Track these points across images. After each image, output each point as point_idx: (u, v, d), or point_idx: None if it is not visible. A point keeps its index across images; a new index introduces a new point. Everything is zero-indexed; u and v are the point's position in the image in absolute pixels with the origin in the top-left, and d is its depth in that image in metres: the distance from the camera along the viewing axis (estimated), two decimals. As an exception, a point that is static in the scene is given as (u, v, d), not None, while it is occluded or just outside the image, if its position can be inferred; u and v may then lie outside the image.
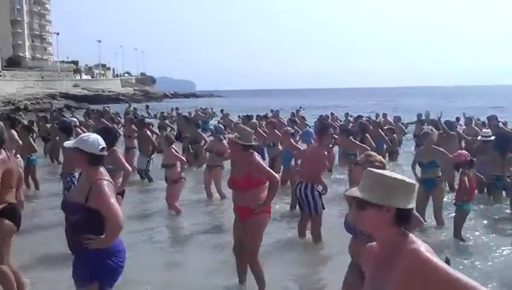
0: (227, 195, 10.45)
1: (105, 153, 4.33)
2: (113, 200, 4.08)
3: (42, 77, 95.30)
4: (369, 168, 2.58)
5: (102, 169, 4.24)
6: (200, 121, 20.44)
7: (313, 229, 8.26)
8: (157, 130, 16.96)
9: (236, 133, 6.14)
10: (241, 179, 5.95)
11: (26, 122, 16.82)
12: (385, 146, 15.23)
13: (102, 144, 4.28)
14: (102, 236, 4.07)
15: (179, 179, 10.32)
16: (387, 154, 15.54)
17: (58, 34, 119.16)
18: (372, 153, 4.38)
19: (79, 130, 14.74)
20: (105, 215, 4.04)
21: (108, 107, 33.89)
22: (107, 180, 4.16)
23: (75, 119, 17.33)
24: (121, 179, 7.35)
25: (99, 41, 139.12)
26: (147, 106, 37.20)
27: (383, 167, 3.90)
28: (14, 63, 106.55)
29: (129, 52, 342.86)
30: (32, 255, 7.34)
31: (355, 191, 2.46)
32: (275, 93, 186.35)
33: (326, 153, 8.74)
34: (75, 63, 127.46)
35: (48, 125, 19.34)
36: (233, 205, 6.22)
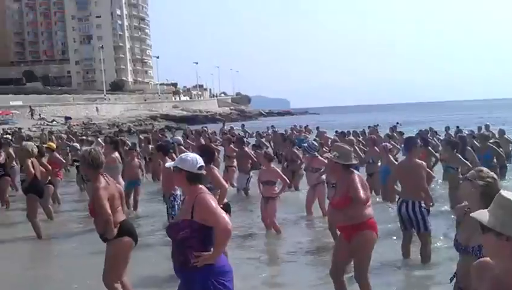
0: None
1: (203, 171, 4.41)
2: (217, 209, 4.17)
3: (145, 100, 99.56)
4: (503, 191, 2.33)
5: (202, 186, 4.34)
6: (296, 139, 20.38)
7: (423, 249, 7.85)
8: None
9: (335, 153, 6.03)
10: (341, 198, 5.82)
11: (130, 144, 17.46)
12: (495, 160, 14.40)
13: (201, 162, 4.38)
14: (209, 252, 4.12)
15: (276, 197, 10.29)
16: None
17: (158, 57, 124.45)
18: (484, 168, 4.10)
19: (182, 148, 15.13)
20: (212, 224, 4.09)
21: (206, 127, 34.81)
22: (208, 193, 4.28)
23: (180, 139, 17.79)
24: (217, 197, 7.44)
25: (196, 63, 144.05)
26: (243, 125, 37.73)
27: (495, 185, 3.62)
28: (117, 86, 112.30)
29: (225, 72, 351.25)
30: (136, 275, 7.41)
31: (479, 213, 2.26)
32: (370, 108, 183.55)
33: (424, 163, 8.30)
34: (174, 85, 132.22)
35: (150, 146, 19.98)
36: (330, 223, 6.09)
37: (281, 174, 10.55)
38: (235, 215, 11.15)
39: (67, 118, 60.52)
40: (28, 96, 79.79)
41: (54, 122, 58.64)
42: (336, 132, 24.95)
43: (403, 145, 13.54)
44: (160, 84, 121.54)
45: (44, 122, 56.99)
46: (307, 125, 31.86)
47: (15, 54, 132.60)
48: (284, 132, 27.60)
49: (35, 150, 10.31)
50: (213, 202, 4.20)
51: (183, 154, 4.62)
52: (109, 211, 5.42)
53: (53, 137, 28.15)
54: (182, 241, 4.17)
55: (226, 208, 7.51)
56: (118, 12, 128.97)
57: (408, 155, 8.21)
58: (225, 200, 7.54)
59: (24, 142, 11.74)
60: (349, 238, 5.85)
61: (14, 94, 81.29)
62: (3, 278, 7.68)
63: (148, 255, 8.63)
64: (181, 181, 4.37)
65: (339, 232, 6.22)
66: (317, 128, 32.39)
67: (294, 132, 28.86)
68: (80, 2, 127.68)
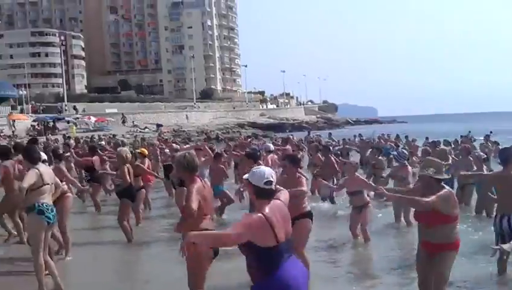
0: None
1: (271, 187, 4.20)
2: (246, 222, 4.03)
3: (234, 108, 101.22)
4: None
5: (269, 203, 4.14)
6: (383, 148, 20.00)
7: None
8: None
9: (431, 168, 5.77)
10: (429, 214, 5.59)
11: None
12: None
13: (269, 178, 4.17)
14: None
15: (366, 205, 10.10)
16: None
17: (246, 66, 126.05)
18: None
19: (274, 155, 15.14)
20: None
21: (292, 134, 34.85)
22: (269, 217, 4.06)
23: (270, 145, 17.84)
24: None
25: (284, 71, 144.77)
26: (330, 133, 37.44)
27: None
28: (207, 95, 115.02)
29: (312, 80, 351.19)
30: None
31: None
32: (460, 117, 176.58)
33: None
34: (262, 93, 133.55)
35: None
36: (419, 240, 5.87)
37: (366, 181, 10.37)
38: (318, 223, 11.00)
39: (159, 125, 62.49)
40: (122, 104, 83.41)
41: (146, 129, 60.75)
42: (427, 139, 24.20)
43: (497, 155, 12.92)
44: (248, 93, 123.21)
45: (137, 129, 59.19)
46: (398, 135, 31.14)
47: (111, 64, 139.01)
48: (370, 140, 27.21)
49: (129, 155, 10.65)
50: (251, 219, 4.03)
51: (256, 167, 4.47)
52: (195, 208, 5.42)
53: (145, 143, 29.20)
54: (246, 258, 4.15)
55: (308, 215, 7.49)
56: (209, 23, 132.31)
57: (506, 166, 7.77)
58: (308, 208, 7.49)
59: (119, 148, 12.17)
60: (433, 255, 5.68)
61: (110, 102, 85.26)
62: (94, 279, 7.97)
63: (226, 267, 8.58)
64: (251, 193, 4.26)
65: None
66: (406, 137, 31.60)
67: (382, 140, 28.35)
68: (172, 13, 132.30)
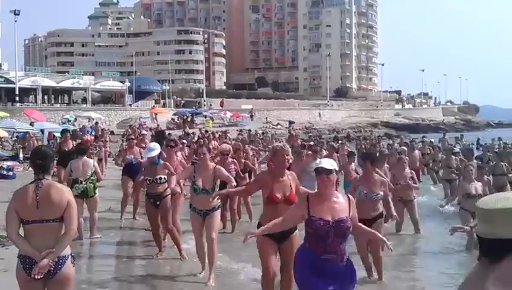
0: None
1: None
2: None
3: (372, 106, 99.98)
4: None
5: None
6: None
7: None
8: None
9: None
10: None
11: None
12: None
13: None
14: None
15: None
16: None
17: (383, 64, 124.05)
18: None
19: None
20: None
21: (425, 136, 33.13)
22: None
23: (405, 148, 17.85)
24: None
25: (423, 70, 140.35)
26: (462, 136, 35.47)
27: None
28: (341, 93, 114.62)
29: (453, 80, 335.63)
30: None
31: None
32: None
33: None
34: (398, 92, 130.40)
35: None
36: None
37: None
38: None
39: (291, 122, 63.61)
40: (258, 100, 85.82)
41: (279, 126, 62.20)
42: None
43: None
44: (384, 92, 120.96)
45: (269, 126, 60.80)
46: None
47: (250, 61, 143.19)
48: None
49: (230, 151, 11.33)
50: None
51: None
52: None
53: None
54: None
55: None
56: (348, 21, 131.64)
57: None
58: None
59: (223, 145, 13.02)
60: None
61: (246, 98, 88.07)
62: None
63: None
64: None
65: None
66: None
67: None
68: (312, 12, 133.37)
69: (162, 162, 8.67)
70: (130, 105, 65.64)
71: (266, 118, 67.32)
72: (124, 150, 14.23)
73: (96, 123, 42.96)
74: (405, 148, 18.29)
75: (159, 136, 14.51)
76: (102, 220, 11.11)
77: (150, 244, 9.41)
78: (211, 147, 14.24)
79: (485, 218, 2.01)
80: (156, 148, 8.64)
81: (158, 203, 8.54)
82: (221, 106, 73.00)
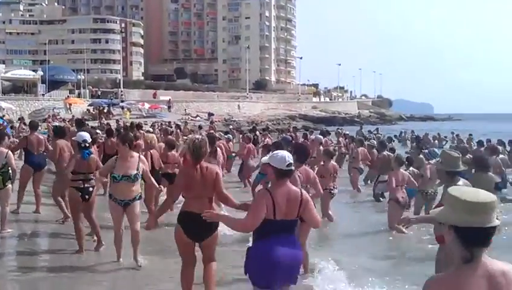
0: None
1: (291, 168, 4.80)
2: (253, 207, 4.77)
3: (293, 99, 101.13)
4: None
5: (284, 185, 4.76)
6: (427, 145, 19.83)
7: None
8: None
9: None
10: None
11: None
12: None
13: (290, 160, 4.76)
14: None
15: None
16: None
17: (301, 58, 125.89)
18: None
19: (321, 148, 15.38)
20: None
21: (341, 129, 34.55)
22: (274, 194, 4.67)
23: (321, 137, 18.24)
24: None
25: (339, 64, 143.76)
26: (377, 129, 37.29)
27: None
28: (260, 86, 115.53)
29: (367, 74, 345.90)
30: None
31: None
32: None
33: None
34: (315, 86, 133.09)
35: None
36: None
37: (412, 180, 10.84)
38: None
39: (210, 114, 63.34)
40: (176, 92, 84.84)
41: (198, 118, 61.78)
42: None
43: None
44: (302, 85, 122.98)
45: (188, 118, 60.29)
46: (455, 134, 30.88)
47: (169, 52, 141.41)
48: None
49: (154, 142, 11.09)
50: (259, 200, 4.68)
51: (275, 152, 5.02)
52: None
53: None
54: None
55: None
56: (267, 13, 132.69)
57: None
58: None
59: (146, 134, 12.75)
60: None
61: (165, 90, 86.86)
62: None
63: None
64: (271, 176, 4.82)
65: None
66: (457, 135, 31.27)
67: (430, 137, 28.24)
68: (231, 3, 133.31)
69: (92, 156, 8.39)
70: (43, 95, 62.90)
71: (185, 109, 66.75)
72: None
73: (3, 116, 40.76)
74: (321, 137, 18.81)
75: (79, 125, 14.01)
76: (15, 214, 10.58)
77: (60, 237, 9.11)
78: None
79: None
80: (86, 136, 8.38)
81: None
82: (154, 97, 72.19)
